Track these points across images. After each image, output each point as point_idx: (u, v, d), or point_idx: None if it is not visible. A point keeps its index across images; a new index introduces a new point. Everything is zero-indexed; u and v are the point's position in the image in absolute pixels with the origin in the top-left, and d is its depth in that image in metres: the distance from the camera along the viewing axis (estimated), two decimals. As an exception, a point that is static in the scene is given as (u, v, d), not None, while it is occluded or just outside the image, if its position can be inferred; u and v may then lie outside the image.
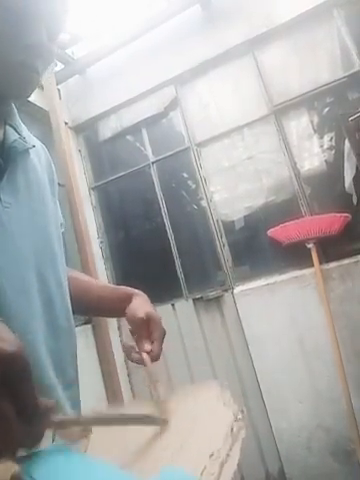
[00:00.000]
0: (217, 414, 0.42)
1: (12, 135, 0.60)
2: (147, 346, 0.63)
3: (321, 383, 2.12)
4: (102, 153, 2.97)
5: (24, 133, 0.64)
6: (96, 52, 2.75)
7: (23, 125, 0.66)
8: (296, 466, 2.15)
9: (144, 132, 2.82)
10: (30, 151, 0.64)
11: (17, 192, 0.58)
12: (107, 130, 2.91)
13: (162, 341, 0.66)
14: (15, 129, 0.62)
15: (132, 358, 0.65)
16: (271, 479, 2.24)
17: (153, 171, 2.76)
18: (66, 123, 2.81)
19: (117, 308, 0.73)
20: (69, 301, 0.67)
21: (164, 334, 0.68)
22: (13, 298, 0.52)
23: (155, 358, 0.63)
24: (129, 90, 2.77)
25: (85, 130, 3.00)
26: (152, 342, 0.65)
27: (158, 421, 0.41)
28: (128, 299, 0.72)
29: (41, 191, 0.65)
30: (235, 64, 2.61)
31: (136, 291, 0.75)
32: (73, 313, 0.66)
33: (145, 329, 0.66)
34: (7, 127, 0.61)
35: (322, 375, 2.12)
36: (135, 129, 2.84)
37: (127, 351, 0.66)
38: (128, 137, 2.91)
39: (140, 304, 0.70)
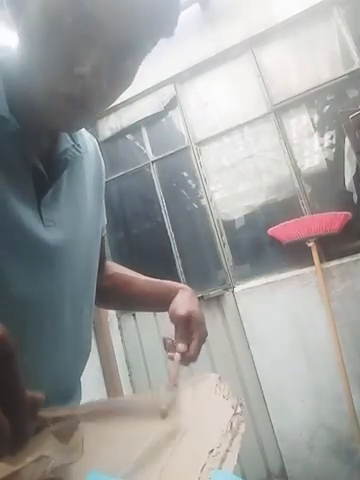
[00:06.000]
0: (216, 408, 0.42)
1: (65, 142, 0.53)
2: (181, 346, 0.60)
3: (323, 382, 2.12)
4: (102, 153, 2.96)
5: (79, 137, 0.57)
6: (95, 52, 2.75)
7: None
8: (298, 465, 2.15)
9: (144, 131, 2.82)
10: (82, 157, 0.57)
11: (60, 207, 0.52)
12: (107, 130, 2.91)
13: (201, 343, 0.63)
14: (70, 134, 0.55)
15: (169, 356, 0.61)
16: (272, 478, 2.23)
17: (153, 170, 2.75)
18: (66, 123, 2.81)
19: (161, 303, 0.70)
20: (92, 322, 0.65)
21: (205, 336, 0.65)
22: (45, 321, 0.49)
23: (189, 360, 0.60)
24: (128, 89, 2.75)
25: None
26: (190, 343, 0.61)
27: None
28: (172, 293, 0.69)
29: (86, 202, 0.59)
30: (235, 63, 2.60)
31: (181, 285, 0.73)
32: (117, 309, 0.63)
33: (185, 328, 0.62)
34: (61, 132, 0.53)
35: (323, 373, 2.11)
36: (135, 128, 2.84)
37: (167, 347, 0.63)
38: (128, 136, 2.91)
39: (183, 301, 0.67)
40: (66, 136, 0.55)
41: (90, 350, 0.64)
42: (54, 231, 0.50)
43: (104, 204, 0.69)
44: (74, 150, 0.54)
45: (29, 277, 0.47)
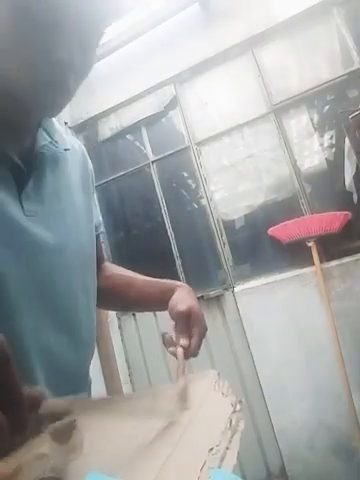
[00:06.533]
0: (215, 405, 0.42)
1: (43, 139, 0.56)
2: (183, 340, 0.61)
3: (322, 381, 2.12)
4: (102, 153, 2.97)
5: (57, 136, 0.59)
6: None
7: (58, 126, 0.62)
8: (298, 465, 2.15)
9: (144, 131, 2.82)
10: (63, 154, 0.60)
11: (44, 200, 0.55)
12: (107, 130, 2.91)
13: (201, 337, 0.64)
14: (48, 132, 0.58)
15: (169, 351, 0.62)
16: (272, 478, 2.23)
17: (153, 170, 2.75)
18: (66, 123, 2.81)
19: (160, 301, 0.70)
20: (94, 312, 0.65)
21: (205, 330, 0.65)
22: (35, 309, 0.50)
23: (191, 354, 0.60)
24: (128, 89, 2.77)
25: (85, 130, 2.99)
26: (191, 337, 0.62)
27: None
28: (171, 291, 0.70)
29: (72, 197, 0.61)
30: (234, 63, 2.60)
31: (179, 283, 0.73)
32: (117, 310, 0.64)
33: (185, 323, 0.63)
34: (40, 130, 0.57)
35: (323, 373, 2.12)
36: (135, 128, 2.84)
37: (166, 343, 0.63)
38: (128, 136, 2.91)
39: (182, 297, 0.68)
40: (44, 134, 0.57)
41: (94, 339, 0.65)
42: (36, 221, 0.52)
43: (96, 202, 0.71)
44: (51, 146, 0.57)
45: (19, 263, 0.49)
